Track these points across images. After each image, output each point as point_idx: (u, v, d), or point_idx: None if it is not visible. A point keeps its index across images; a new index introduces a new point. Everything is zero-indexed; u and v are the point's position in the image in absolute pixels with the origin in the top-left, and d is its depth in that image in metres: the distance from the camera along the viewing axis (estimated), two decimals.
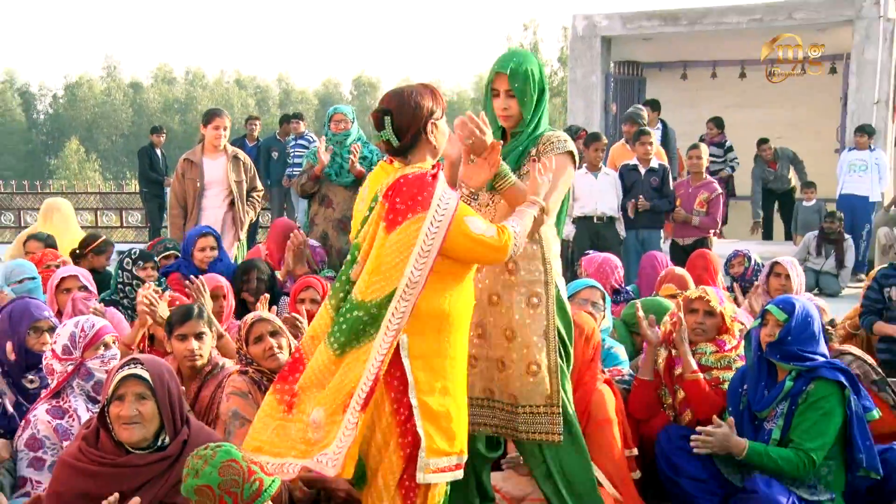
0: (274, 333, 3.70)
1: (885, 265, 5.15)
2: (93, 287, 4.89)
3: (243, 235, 7.12)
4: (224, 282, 4.97)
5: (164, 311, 4.18)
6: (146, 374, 2.85)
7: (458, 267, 2.80)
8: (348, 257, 2.87)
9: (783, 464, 3.47)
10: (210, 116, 6.99)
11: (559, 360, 3.22)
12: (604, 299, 4.46)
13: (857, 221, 10.34)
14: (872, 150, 10.71)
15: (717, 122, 11.63)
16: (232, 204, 6.87)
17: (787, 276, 5.31)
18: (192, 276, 4.64)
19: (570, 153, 3.23)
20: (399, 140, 2.84)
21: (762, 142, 12.03)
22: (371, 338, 2.67)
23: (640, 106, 10.51)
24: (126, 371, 2.86)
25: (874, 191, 10.64)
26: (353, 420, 2.64)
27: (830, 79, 13.17)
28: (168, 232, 12.28)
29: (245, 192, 6.95)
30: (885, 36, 11.66)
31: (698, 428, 3.59)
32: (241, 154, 7.10)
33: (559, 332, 3.23)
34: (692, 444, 3.58)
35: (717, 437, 3.53)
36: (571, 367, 3.35)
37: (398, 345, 2.72)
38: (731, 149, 11.49)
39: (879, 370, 4.20)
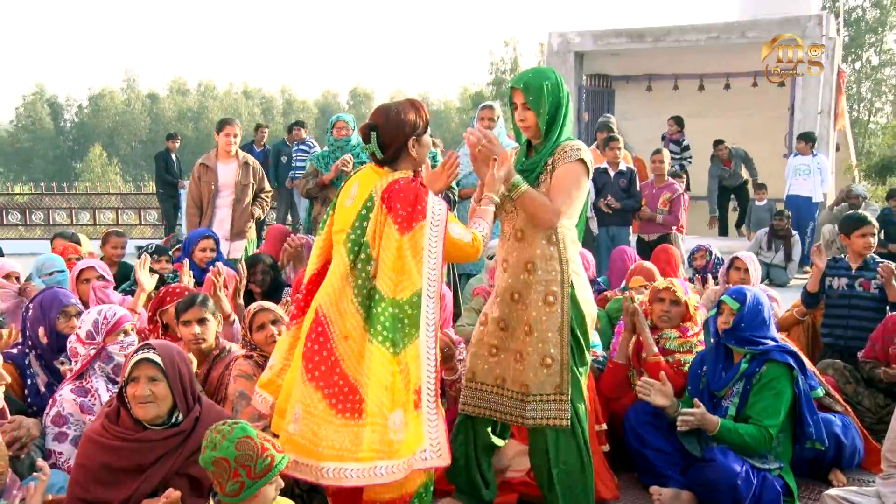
0: (274, 322, 3.74)
1: (828, 258, 5.16)
2: (109, 276, 4.89)
3: (252, 232, 7.09)
4: (229, 271, 5.01)
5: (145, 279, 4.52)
6: (157, 358, 2.86)
7: None
8: (345, 242, 2.87)
9: (749, 439, 3.47)
10: (222, 125, 7.00)
11: (572, 353, 3.18)
12: None
13: (802, 219, 10.47)
14: (815, 156, 10.84)
15: (678, 121, 11.55)
16: (241, 204, 6.85)
17: (746, 270, 5.32)
18: (217, 266, 4.64)
19: (581, 160, 3.15)
20: (382, 153, 2.93)
21: (718, 143, 12.05)
22: (415, 337, 2.76)
23: (609, 115, 10.56)
24: (140, 356, 2.87)
25: (816, 192, 10.76)
26: (432, 411, 2.73)
27: (780, 91, 13.21)
28: (183, 228, 12.28)
29: (254, 194, 6.95)
30: (827, 53, 11.73)
31: (681, 410, 3.58)
32: (251, 159, 7.10)
33: (573, 328, 3.18)
34: (679, 424, 3.55)
35: (697, 417, 3.52)
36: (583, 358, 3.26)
37: None
38: (687, 147, 11.45)
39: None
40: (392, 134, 2.92)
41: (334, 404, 2.71)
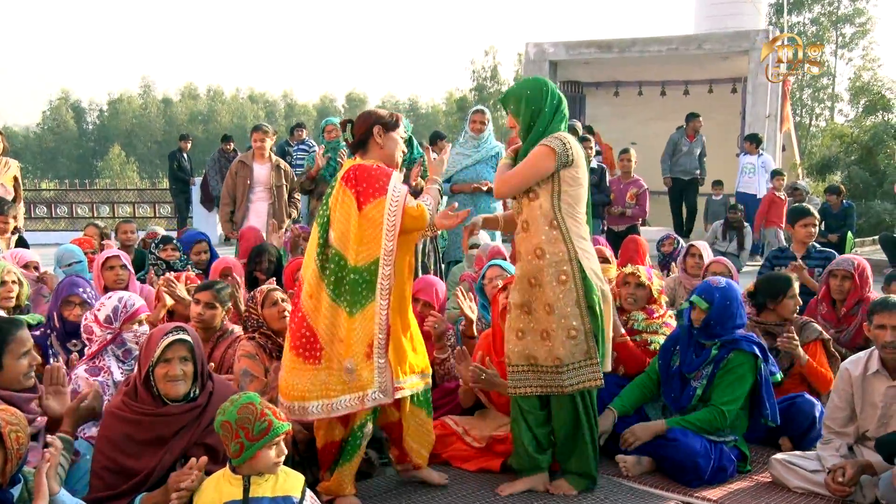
0: (284, 300, 3.69)
1: (775, 248, 5.19)
2: (130, 266, 4.80)
3: (284, 230, 7.03)
4: (232, 261, 5.06)
5: (182, 292, 4.24)
6: (190, 339, 2.82)
7: (402, 241, 3.00)
8: (318, 220, 3.06)
9: (700, 424, 3.46)
10: (254, 129, 7.02)
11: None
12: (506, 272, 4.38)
13: (749, 214, 10.39)
14: (760, 156, 10.85)
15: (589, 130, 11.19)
16: (273, 203, 6.84)
17: (701, 256, 5.34)
18: (171, 276, 4.49)
19: (545, 145, 3.10)
20: (353, 137, 3.16)
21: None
22: (371, 300, 2.95)
23: (574, 120, 10.39)
24: (173, 336, 2.81)
25: (761, 189, 10.76)
26: (382, 361, 2.97)
27: (733, 97, 13.31)
28: (195, 221, 12.16)
29: (287, 195, 6.93)
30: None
31: (622, 437, 3.55)
32: (283, 163, 7.06)
33: (588, 301, 3.15)
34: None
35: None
36: (603, 328, 3.24)
37: None
38: (599, 153, 11.22)
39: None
40: (361, 121, 3.15)
41: (300, 353, 2.98)
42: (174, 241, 5.50)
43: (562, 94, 3.29)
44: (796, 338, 3.90)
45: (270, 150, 6.96)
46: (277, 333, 3.58)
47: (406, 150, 3.33)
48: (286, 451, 2.52)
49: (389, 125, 3.12)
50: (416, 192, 3.44)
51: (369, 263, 2.92)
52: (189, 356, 2.81)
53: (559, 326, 3.14)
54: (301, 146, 11.74)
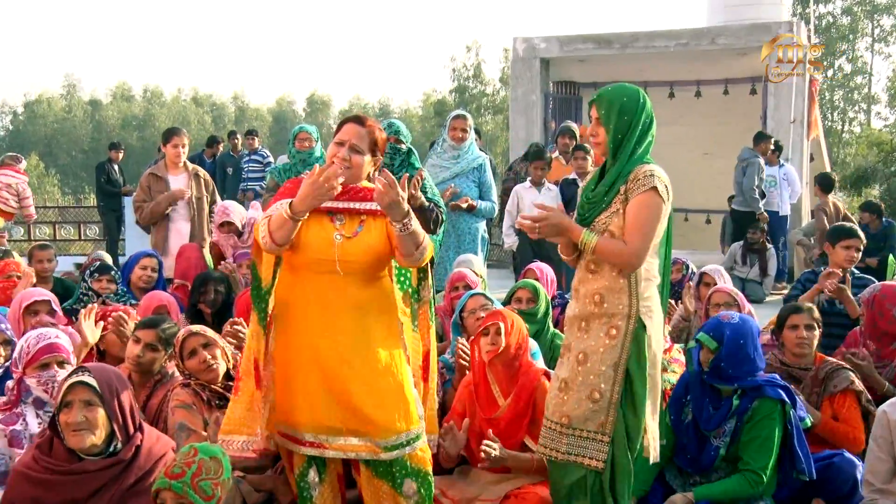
0: (207, 345, 3.63)
1: (807, 270, 5.21)
2: (57, 306, 4.63)
3: (206, 249, 6.97)
4: (166, 298, 4.88)
5: (130, 331, 4.12)
6: (93, 382, 2.77)
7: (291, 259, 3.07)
8: None
9: (733, 492, 3.44)
10: (169, 135, 6.89)
11: (625, 392, 3.06)
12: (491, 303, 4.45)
13: (772, 234, 10.37)
14: (782, 166, 10.85)
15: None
16: (194, 219, 6.73)
17: (715, 285, 5.33)
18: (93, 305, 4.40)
19: (655, 189, 3.02)
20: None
21: None
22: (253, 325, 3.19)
23: (570, 122, 10.46)
24: (73, 379, 2.79)
25: (783, 205, 10.77)
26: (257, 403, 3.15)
27: (752, 99, 13.39)
28: (127, 243, 12.06)
29: (207, 207, 6.85)
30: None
31: None
32: (202, 171, 7.00)
33: (630, 369, 3.05)
34: None
35: None
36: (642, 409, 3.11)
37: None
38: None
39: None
40: None
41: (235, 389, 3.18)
42: (112, 272, 5.41)
43: (653, 114, 3.22)
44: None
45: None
46: (211, 381, 3.56)
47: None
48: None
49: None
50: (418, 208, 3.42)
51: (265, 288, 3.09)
52: (95, 400, 2.77)
53: (584, 382, 3.07)
54: (253, 157, 11.73)
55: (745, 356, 3.53)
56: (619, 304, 3.05)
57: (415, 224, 2.95)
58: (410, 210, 2.94)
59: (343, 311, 3.01)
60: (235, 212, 6.38)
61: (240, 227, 6.29)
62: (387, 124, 5.20)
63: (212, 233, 6.79)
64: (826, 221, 9.99)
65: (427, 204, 5.05)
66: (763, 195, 10.25)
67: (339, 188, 2.87)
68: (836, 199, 10.55)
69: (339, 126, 3.12)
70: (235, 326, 4.21)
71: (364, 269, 3.04)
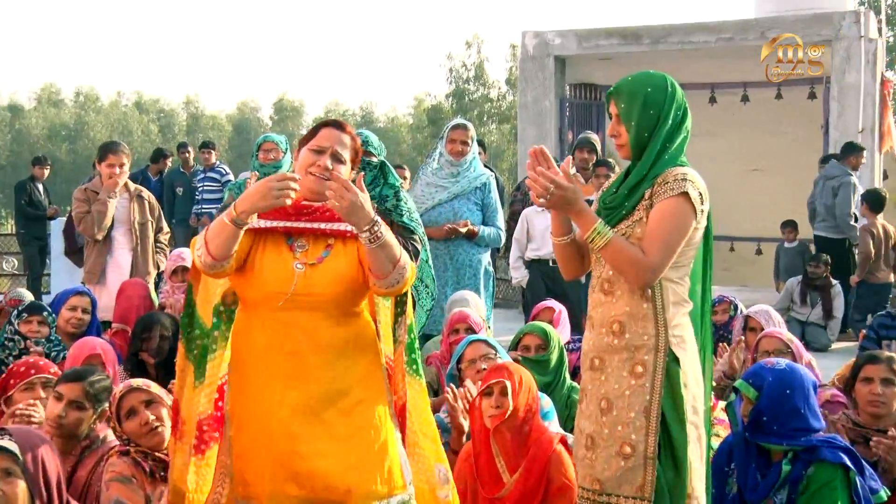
0: (150, 403, 3.60)
1: (881, 313, 5.15)
2: None
3: (151, 285, 6.98)
4: (101, 346, 4.79)
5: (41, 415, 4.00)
6: (14, 447, 2.75)
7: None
8: None
9: None
10: (104, 153, 6.87)
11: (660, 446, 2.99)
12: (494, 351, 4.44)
13: (840, 266, 10.13)
14: None
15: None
16: (136, 249, 6.77)
17: (763, 330, 5.31)
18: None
19: (686, 195, 2.97)
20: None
21: None
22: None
23: (590, 132, 10.45)
24: None
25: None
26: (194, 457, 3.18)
27: (810, 104, 13.40)
28: (52, 278, 12.03)
29: (153, 235, 6.88)
30: (868, 58, 11.97)
31: None
32: (146, 192, 7.07)
33: (665, 413, 2.98)
34: None
35: None
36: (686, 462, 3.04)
37: None
38: None
39: None
40: None
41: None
42: (45, 313, 5.41)
43: (687, 104, 3.19)
44: None
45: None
46: (154, 447, 3.55)
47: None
48: None
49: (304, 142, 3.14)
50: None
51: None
52: (16, 470, 2.73)
53: (611, 435, 3.01)
54: (209, 174, 11.79)
55: (791, 409, 3.51)
56: (643, 335, 3.00)
57: (386, 233, 2.89)
58: (378, 216, 2.88)
59: (312, 354, 2.98)
60: (190, 258, 6.35)
61: None
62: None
63: (158, 266, 6.80)
64: (871, 246, 9.99)
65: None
66: (857, 219, 10.23)
67: (292, 200, 2.83)
68: (887, 222, 10.51)
69: (314, 131, 3.09)
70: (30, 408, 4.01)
71: (334, 303, 3.01)
